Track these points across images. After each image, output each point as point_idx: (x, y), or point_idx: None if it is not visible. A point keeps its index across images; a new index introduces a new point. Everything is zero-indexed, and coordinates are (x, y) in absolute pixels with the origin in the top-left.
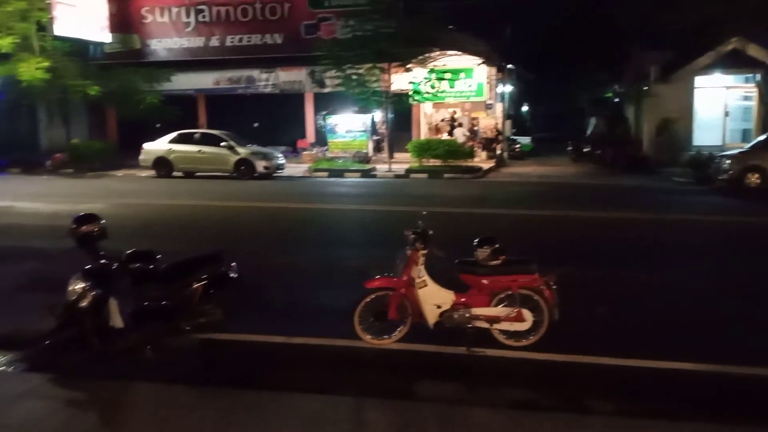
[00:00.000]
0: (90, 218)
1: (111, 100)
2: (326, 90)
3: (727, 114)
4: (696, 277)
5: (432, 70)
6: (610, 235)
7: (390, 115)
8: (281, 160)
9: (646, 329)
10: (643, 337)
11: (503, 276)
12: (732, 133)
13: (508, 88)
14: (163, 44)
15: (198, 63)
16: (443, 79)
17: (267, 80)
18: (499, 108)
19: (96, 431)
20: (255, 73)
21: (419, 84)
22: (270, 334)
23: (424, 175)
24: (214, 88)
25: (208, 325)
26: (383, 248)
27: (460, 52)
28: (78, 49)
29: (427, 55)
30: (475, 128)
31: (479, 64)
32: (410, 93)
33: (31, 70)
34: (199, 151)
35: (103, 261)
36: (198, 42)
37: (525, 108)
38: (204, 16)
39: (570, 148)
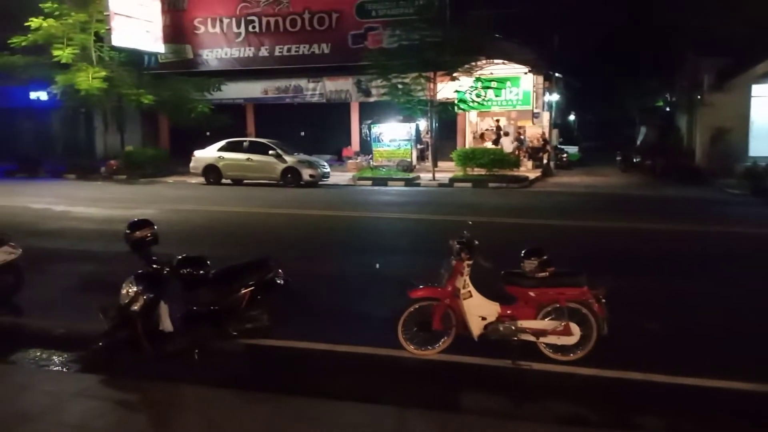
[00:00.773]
0: (143, 224)
1: (164, 108)
2: (372, 99)
3: None
4: (751, 292)
5: (478, 79)
6: (662, 247)
7: (435, 124)
8: (326, 169)
9: (699, 345)
10: (696, 353)
11: (551, 288)
12: None
13: (555, 97)
14: (214, 54)
15: (247, 72)
16: (489, 87)
17: (314, 89)
18: (545, 117)
19: None
20: (302, 82)
21: (465, 93)
22: (314, 341)
23: (468, 185)
24: (262, 97)
25: (255, 330)
26: (427, 257)
27: (506, 61)
28: (133, 59)
29: (473, 63)
30: (522, 137)
31: (526, 73)
32: (455, 102)
33: (89, 79)
34: (248, 159)
35: (155, 266)
36: (248, 52)
37: (572, 117)
38: (254, 27)
39: (619, 158)
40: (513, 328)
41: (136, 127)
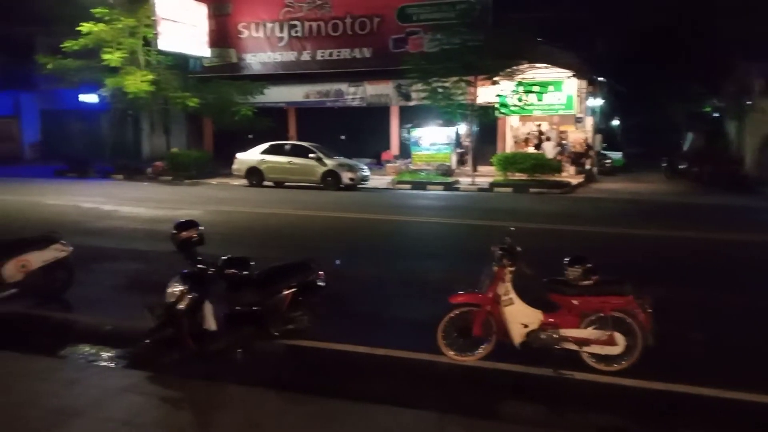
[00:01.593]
0: (189, 225)
1: (208, 111)
2: (412, 103)
3: None
4: None
5: (520, 83)
6: (710, 256)
7: (475, 128)
8: (366, 172)
9: (748, 358)
10: (745, 367)
11: (595, 297)
12: None
13: (599, 101)
14: (258, 58)
15: (289, 76)
16: (531, 92)
17: (355, 93)
18: (589, 122)
19: (189, 430)
20: (343, 86)
21: (506, 97)
22: (353, 343)
23: (508, 189)
24: (304, 101)
25: (296, 331)
26: (466, 262)
27: (549, 65)
28: (179, 62)
29: (514, 68)
30: (564, 142)
31: (569, 77)
32: (496, 106)
33: (137, 82)
34: (289, 162)
35: (200, 266)
36: (290, 56)
37: (616, 122)
38: (296, 31)
39: (665, 165)
40: (555, 336)
41: (181, 129)
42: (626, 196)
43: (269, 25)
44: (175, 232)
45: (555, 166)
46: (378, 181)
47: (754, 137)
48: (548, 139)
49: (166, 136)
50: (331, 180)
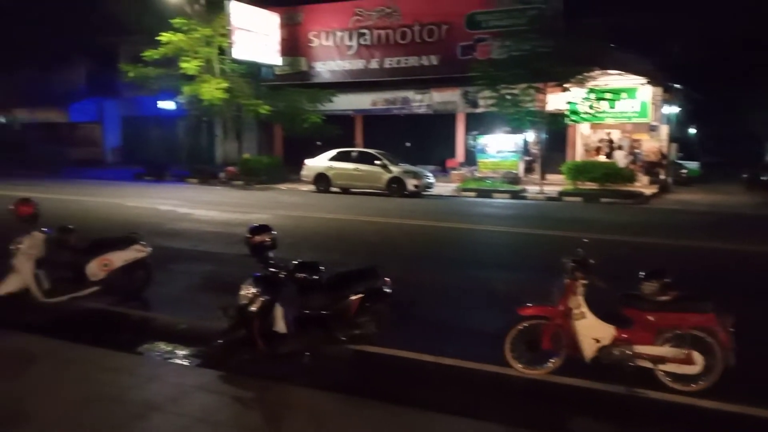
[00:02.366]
0: (263, 229)
1: (278, 118)
2: (478, 110)
3: None
4: None
5: (591, 90)
6: None
7: (543, 136)
8: (430, 179)
9: None
10: None
11: (672, 313)
12: None
13: (674, 109)
14: (327, 66)
15: (357, 84)
16: (603, 99)
17: (421, 101)
18: (663, 130)
19: (259, 430)
20: (410, 93)
21: (577, 104)
22: (419, 351)
23: (578, 199)
24: (370, 108)
25: (363, 337)
26: (534, 273)
27: (622, 72)
28: (251, 71)
29: (586, 74)
30: (637, 151)
31: (643, 84)
32: (566, 113)
33: (212, 90)
34: (356, 168)
35: (272, 269)
36: (359, 64)
37: (692, 130)
38: (365, 40)
39: (745, 175)
40: (629, 352)
41: (252, 135)
42: (703, 208)
43: (339, 33)
44: (249, 236)
45: (628, 176)
46: (442, 188)
47: None
48: (620, 147)
49: (238, 142)
50: (396, 187)
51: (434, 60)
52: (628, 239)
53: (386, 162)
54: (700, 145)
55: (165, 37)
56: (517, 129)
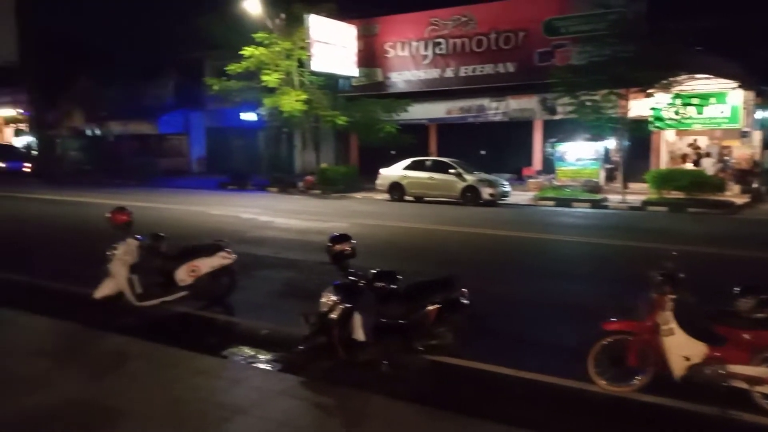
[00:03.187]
0: (343, 238)
1: (355, 128)
2: (556, 117)
3: None
4: None
5: (677, 95)
6: None
7: (625, 143)
8: (506, 188)
9: None
10: None
11: None
12: None
13: None
14: (402, 76)
15: (431, 93)
16: (690, 104)
17: (497, 108)
18: (756, 136)
19: None
20: (485, 101)
21: (661, 110)
22: (497, 364)
23: (663, 208)
24: (445, 117)
25: (440, 347)
26: (617, 286)
27: (710, 76)
28: (329, 82)
29: (671, 79)
30: (726, 158)
31: (734, 88)
32: (650, 119)
33: (292, 102)
34: (430, 177)
35: (351, 278)
36: (434, 73)
37: None
38: (441, 49)
39: None
40: (722, 372)
41: (329, 145)
42: None
43: (414, 43)
44: (329, 244)
45: (717, 184)
46: (519, 197)
47: None
48: (707, 154)
49: (316, 152)
50: (470, 195)
51: (511, 67)
52: (718, 252)
53: (460, 170)
54: None
55: (247, 51)
56: (597, 136)
